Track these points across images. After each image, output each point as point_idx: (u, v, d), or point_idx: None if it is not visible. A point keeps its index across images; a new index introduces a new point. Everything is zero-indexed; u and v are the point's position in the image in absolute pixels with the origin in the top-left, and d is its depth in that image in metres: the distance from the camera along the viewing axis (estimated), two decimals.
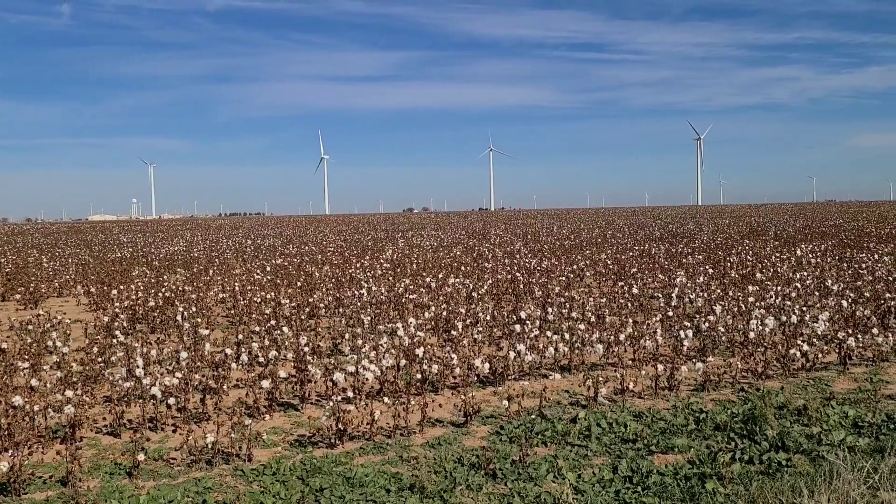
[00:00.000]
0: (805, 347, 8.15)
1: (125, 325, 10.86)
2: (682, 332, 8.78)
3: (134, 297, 12.86)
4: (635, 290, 12.70)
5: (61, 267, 21.60)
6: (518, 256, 21.56)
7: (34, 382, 6.82)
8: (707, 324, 9.33)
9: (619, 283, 14.09)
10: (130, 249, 30.06)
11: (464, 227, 51.37)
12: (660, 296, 12.66)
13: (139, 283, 15.56)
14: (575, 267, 17.45)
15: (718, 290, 12.53)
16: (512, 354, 7.86)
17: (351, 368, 7.21)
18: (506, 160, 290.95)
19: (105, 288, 15.14)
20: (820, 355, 8.34)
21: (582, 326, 8.83)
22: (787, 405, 6.66)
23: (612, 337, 8.66)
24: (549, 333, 8.57)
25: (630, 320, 9.77)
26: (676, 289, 12.92)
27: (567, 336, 8.49)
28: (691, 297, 12.05)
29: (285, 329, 9.23)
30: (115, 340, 8.93)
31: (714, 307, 10.37)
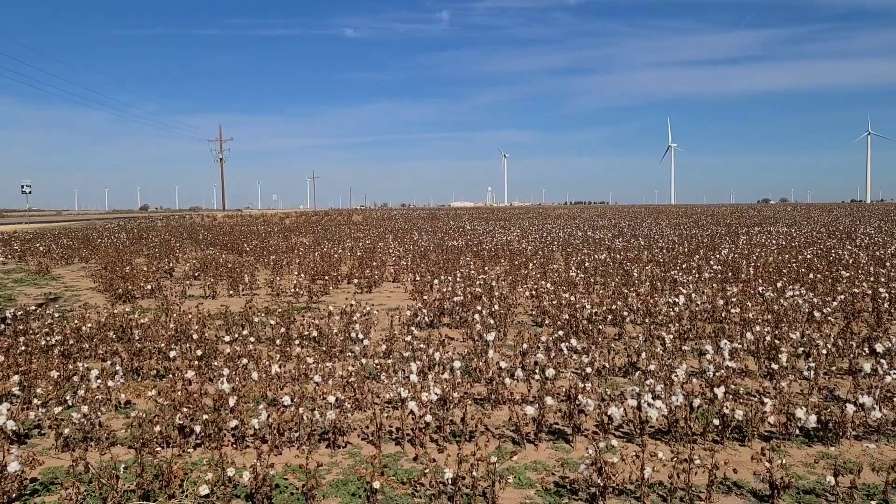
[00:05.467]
0: None
1: (427, 319, 11.04)
2: None
3: (445, 289, 13.11)
4: None
5: (404, 253, 23.46)
6: (889, 264, 17.69)
7: (317, 378, 7.00)
8: None
9: None
10: (468, 237, 31.76)
11: (825, 222, 44.86)
12: None
13: (457, 274, 16.00)
14: None
15: None
16: (851, 408, 5.99)
17: (632, 402, 6.12)
18: (889, 146, 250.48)
19: (429, 277, 15.88)
20: None
21: None
22: None
23: None
24: None
25: None
26: None
27: None
28: None
29: (573, 342, 8.39)
30: (409, 337, 8.96)
31: None
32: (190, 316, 10.26)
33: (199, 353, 8.29)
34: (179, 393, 6.38)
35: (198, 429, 5.94)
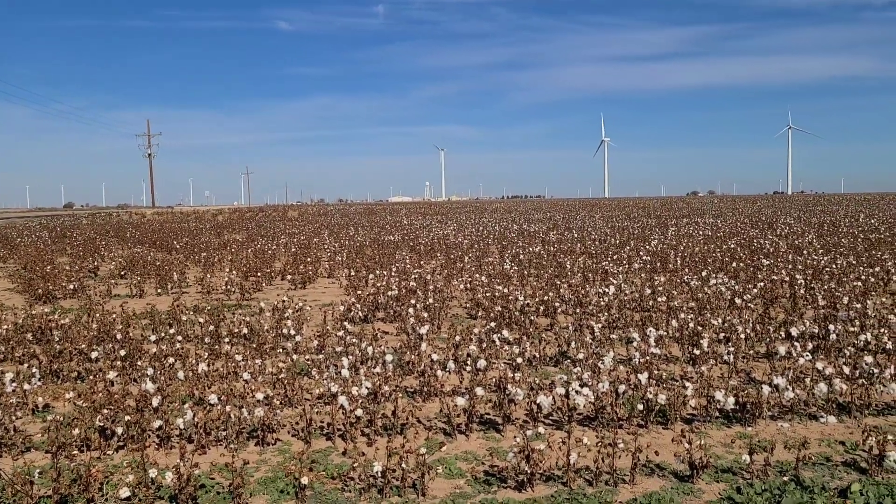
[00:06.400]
0: None
1: (361, 314, 10.99)
2: None
3: (380, 284, 13.06)
4: None
5: (340, 248, 23.24)
6: (807, 252, 18.51)
7: (246, 376, 6.88)
8: None
9: None
10: (405, 232, 31.72)
11: (749, 213, 46.59)
12: None
13: (393, 269, 15.98)
14: (878, 269, 14.33)
15: None
16: (766, 389, 6.25)
17: (560, 390, 6.23)
18: (808, 140, 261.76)
19: (365, 272, 15.79)
20: None
21: (869, 359, 6.82)
22: None
23: None
24: (819, 366, 6.73)
25: None
26: None
27: (846, 369, 6.60)
28: None
29: (504, 332, 8.49)
30: (342, 332, 8.88)
31: None
32: (114, 316, 9.93)
33: (122, 353, 8.04)
34: (100, 394, 6.18)
35: (119, 430, 5.77)
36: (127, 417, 5.85)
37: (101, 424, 5.81)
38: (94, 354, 8.18)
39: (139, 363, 7.71)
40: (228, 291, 13.97)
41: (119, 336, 8.71)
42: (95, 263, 19.50)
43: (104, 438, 5.84)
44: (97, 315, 10.00)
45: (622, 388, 6.26)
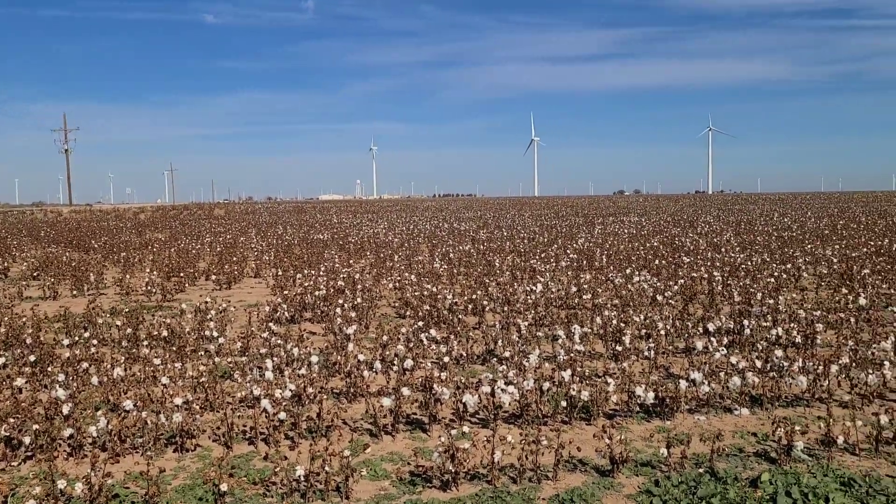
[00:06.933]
0: None
1: (288, 315, 10.80)
2: None
3: (307, 283, 12.88)
4: (863, 300, 10.41)
5: (268, 247, 22.81)
6: (725, 249, 19.23)
7: (164, 380, 6.66)
8: None
9: (843, 290, 11.70)
10: (335, 230, 31.39)
11: (672, 212, 48.08)
12: None
13: (321, 268, 15.79)
14: (790, 266, 15.01)
15: None
16: (684, 384, 6.45)
17: (486, 389, 6.27)
18: (728, 141, 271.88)
19: (293, 271, 15.54)
20: None
21: (779, 353, 7.12)
22: None
23: (820, 366, 6.89)
24: (733, 360, 6.98)
25: (849, 342, 7.85)
26: None
27: (758, 362, 6.88)
28: None
29: (432, 332, 8.50)
30: (267, 333, 8.71)
31: None
32: (24, 319, 9.47)
33: (32, 358, 7.67)
34: (6, 403, 5.88)
35: (27, 440, 5.50)
36: (35, 426, 5.58)
37: (7, 434, 5.52)
38: (0, 360, 7.77)
39: (50, 369, 7.37)
40: (149, 293, 13.52)
41: (29, 340, 8.31)
42: (5, 264, 18.56)
43: (10, 449, 5.56)
44: (6, 318, 9.52)
45: (547, 385, 6.35)
